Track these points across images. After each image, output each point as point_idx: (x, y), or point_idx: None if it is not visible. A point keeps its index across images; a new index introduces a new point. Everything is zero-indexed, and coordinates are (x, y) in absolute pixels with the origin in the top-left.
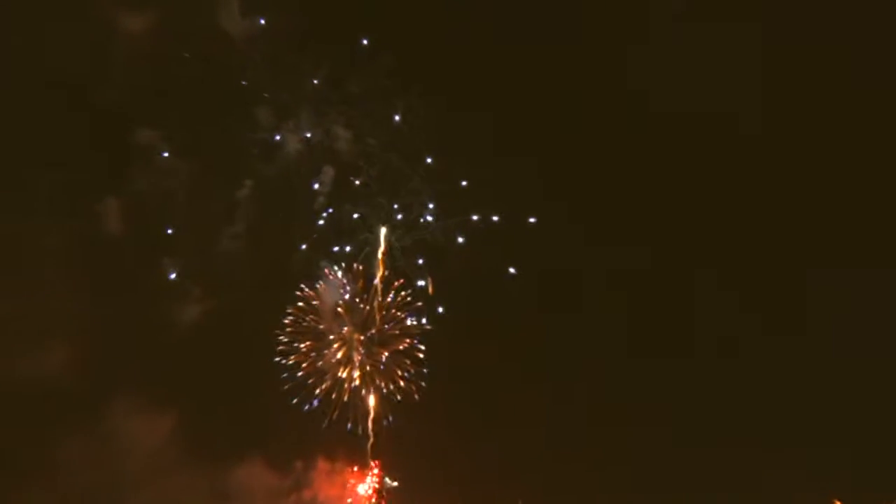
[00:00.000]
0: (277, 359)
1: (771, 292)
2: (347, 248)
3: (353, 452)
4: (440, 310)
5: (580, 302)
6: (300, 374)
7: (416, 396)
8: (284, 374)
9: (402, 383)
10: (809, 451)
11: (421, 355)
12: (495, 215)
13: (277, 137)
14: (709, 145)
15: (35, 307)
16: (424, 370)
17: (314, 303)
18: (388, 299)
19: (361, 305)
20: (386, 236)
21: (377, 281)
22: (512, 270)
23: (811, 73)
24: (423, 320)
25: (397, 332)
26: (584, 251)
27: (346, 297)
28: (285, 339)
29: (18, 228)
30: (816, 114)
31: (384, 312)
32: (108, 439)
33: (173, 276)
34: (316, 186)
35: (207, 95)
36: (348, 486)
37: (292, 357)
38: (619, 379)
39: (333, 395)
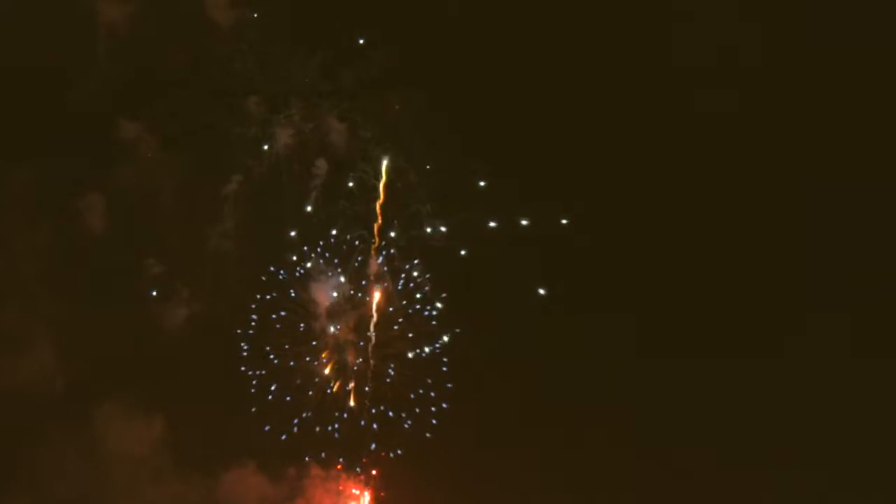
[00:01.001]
0: (243, 368)
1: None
2: (338, 244)
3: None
4: (444, 338)
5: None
6: (273, 390)
7: (434, 421)
8: (253, 391)
9: (417, 409)
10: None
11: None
12: (524, 219)
13: (268, 129)
14: (710, 147)
15: (14, 308)
16: (448, 385)
17: (291, 293)
18: (390, 302)
19: (358, 295)
20: (380, 231)
21: (373, 278)
22: (542, 291)
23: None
24: (426, 348)
25: (410, 335)
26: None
27: (340, 295)
28: (247, 348)
29: None
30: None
31: (391, 308)
32: (95, 446)
33: (154, 293)
34: (308, 181)
35: (194, 87)
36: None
37: (265, 370)
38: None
39: (317, 428)
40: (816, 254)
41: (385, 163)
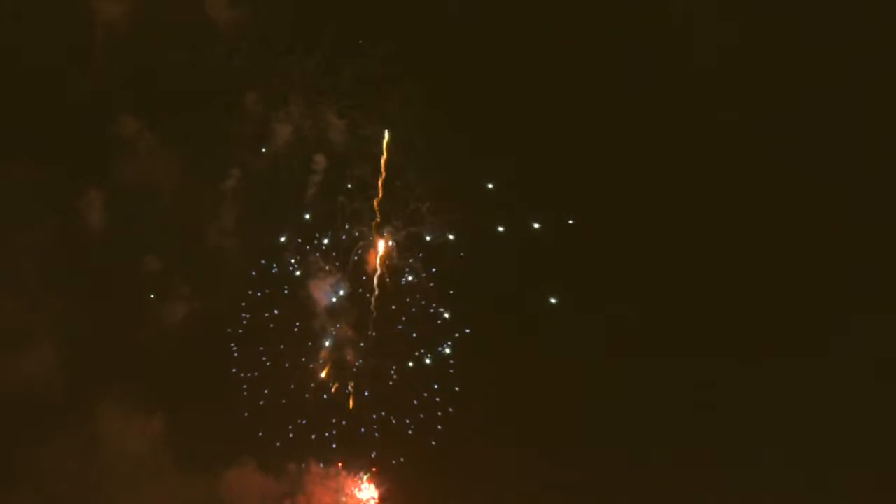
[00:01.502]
0: (234, 370)
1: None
2: (337, 240)
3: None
4: (446, 349)
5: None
6: (266, 393)
7: (440, 426)
8: (244, 392)
9: (421, 415)
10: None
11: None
12: (537, 222)
13: (266, 126)
14: (710, 146)
15: (13, 307)
16: (456, 388)
17: (285, 290)
18: (390, 299)
19: (361, 291)
20: (378, 229)
21: (372, 275)
22: (553, 301)
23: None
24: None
25: (414, 334)
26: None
27: (339, 294)
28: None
29: None
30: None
31: (393, 306)
32: (95, 445)
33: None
34: (307, 177)
35: (193, 84)
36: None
37: (259, 371)
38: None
39: (314, 435)
40: (817, 253)
41: (383, 160)
